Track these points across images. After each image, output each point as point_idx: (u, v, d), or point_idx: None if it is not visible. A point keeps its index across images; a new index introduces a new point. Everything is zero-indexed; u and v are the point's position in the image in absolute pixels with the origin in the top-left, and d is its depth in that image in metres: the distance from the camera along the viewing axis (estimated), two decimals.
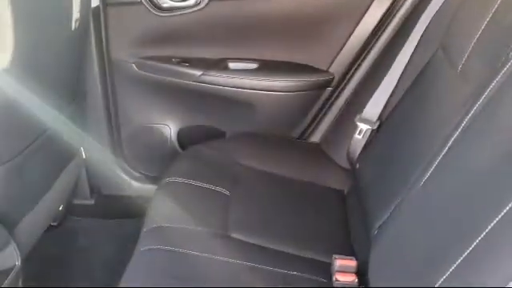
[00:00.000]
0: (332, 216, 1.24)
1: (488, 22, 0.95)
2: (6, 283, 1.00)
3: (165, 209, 1.17)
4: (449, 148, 0.87)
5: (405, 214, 0.92)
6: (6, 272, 1.01)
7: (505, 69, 0.82)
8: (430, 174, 0.89)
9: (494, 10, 0.94)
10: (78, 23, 1.15)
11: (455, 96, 0.96)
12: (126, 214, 1.60)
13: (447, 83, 1.05)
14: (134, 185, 1.64)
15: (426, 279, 0.74)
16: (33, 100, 1.06)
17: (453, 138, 0.86)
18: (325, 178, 1.39)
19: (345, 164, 1.39)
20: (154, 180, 1.48)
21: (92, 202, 1.63)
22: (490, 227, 0.66)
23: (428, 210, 0.85)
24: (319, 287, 1.01)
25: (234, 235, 1.10)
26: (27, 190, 1.15)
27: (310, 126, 1.56)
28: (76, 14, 1.12)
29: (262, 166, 1.36)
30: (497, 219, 0.65)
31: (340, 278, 1.02)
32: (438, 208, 0.82)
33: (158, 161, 1.58)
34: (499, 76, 0.82)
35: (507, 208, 0.64)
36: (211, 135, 1.56)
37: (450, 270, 0.70)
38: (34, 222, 1.20)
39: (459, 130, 0.85)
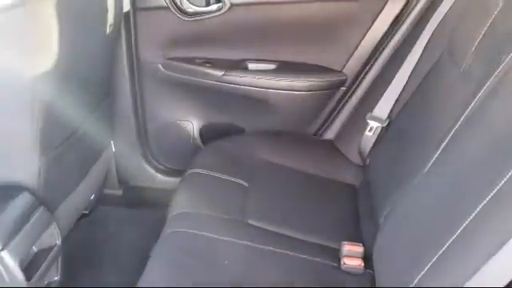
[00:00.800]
0: (342, 207, 1.33)
1: (487, 28, 1.03)
2: (48, 259, 1.13)
3: (189, 197, 1.29)
4: (449, 140, 0.95)
5: (408, 203, 1.01)
6: (48, 250, 1.14)
7: (498, 70, 0.90)
8: (431, 166, 0.98)
9: (492, 17, 1.02)
10: (111, 28, 1.27)
11: (457, 94, 1.04)
12: (151, 204, 1.71)
13: (451, 83, 1.13)
14: (158, 177, 1.75)
15: (422, 261, 0.82)
16: (71, 98, 1.19)
17: (452, 132, 0.95)
18: (337, 173, 1.48)
19: (357, 160, 1.48)
20: (177, 173, 1.58)
21: (120, 192, 1.75)
22: (477, 210, 0.75)
23: (428, 199, 0.94)
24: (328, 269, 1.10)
25: (252, 222, 1.20)
26: (65, 178, 1.27)
27: (324, 123, 1.65)
28: (110, 19, 1.24)
29: (278, 160, 1.46)
30: (484, 202, 0.74)
31: (347, 261, 1.12)
32: (437, 196, 0.91)
33: (181, 155, 1.68)
34: (493, 76, 0.91)
35: (495, 189, 0.73)
36: (231, 131, 1.66)
37: (440, 252, 0.79)
38: (70, 207, 1.33)
39: (458, 123, 0.94)
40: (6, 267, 0.99)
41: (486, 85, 0.92)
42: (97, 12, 1.19)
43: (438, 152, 0.97)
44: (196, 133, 1.70)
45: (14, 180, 1.10)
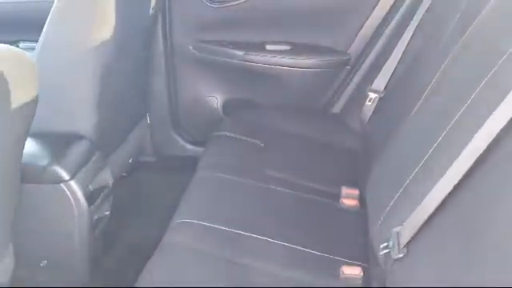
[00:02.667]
0: (344, 162, 1.57)
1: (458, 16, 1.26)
2: (102, 196, 1.39)
3: (215, 152, 1.54)
4: (426, 94, 1.19)
5: (394, 145, 1.24)
6: (102, 188, 1.40)
7: (461, 40, 1.14)
8: (414, 113, 1.20)
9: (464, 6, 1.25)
10: (153, 10, 1.53)
11: (434, 63, 1.27)
12: (180, 170, 1.96)
13: (431, 57, 1.36)
14: (187, 146, 2.00)
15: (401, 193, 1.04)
16: (121, 66, 1.45)
17: (429, 86, 1.18)
18: (342, 140, 1.71)
19: (359, 130, 1.71)
20: (204, 143, 1.79)
21: (153, 159, 2.01)
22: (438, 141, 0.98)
23: (409, 140, 1.17)
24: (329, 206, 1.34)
25: (266, 171, 1.45)
26: (114, 133, 1.54)
27: (331, 99, 1.88)
28: (153, 2, 1.50)
29: (289, 129, 1.70)
30: (443, 134, 0.97)
31: (345, 201, 1.36)
32: (422, 131, 1.12)
33: (207, 127, 1.92)
34: (457, 46, 1.14)
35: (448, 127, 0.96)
36: (250, 105, 1.91)
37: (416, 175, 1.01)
38: (116, 161, 1.59)
39: (433, 81, 1.18)
40: (73, 194, 1.26)
41: (452, 52, 1.15)
42: None
43: (420, 102, 1.20)
44: (220, 106, 1.95)
45: (76, 130, 1.37)
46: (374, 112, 1.63)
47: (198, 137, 1.99)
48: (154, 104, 1.92)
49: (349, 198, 1.36)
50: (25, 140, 1.07)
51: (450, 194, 0.87)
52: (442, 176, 0.88)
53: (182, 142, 1.99)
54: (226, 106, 1.95)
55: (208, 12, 1.77)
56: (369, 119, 1.65)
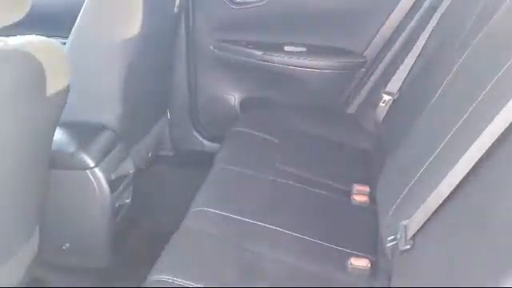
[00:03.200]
0: (356, 162, 1.61)
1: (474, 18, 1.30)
2: (123, 185, 1.46)
3: (232, 146, 1.60)
4: (437, 96, 1.23)
5: (405, 145, 1.28)
6: (124, 177, 1.47)
7: (470, 47, 1.18)
8: (425, 114, 1.25)
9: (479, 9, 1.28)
10: (178, 9, 1.60)
11: (447, 68, 1.31)
12: (197, 164, 2.03)
13: (445, 62, 1.40)
14: (204, 142, 2.07)
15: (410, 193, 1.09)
16: (145, 62, 1.52)
17: (439, 90, 1.23)
18: (356, 140, 1.76)
19: (373, 131, 1.75)
20: (221, 140, 1.84)
21: (172, 153, 2.07)
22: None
23: (419, 138, 1.22)
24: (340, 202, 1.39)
25: (279, 166, 1.50)
26: (136, 125, 1.61)
27: (347, 100, 1.93)
28: (177, 1, 1.57)
29: (304, 128, 1.75)
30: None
31: (356, 198, 1.41)
32: (431, 130, 1.16)
33: (225, 124, 1.98)
34: (468, 49, 1.19)
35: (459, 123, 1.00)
36: (266, 104, 1.96)
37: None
38: (136, 153, 1.66)
39: (444, 83, 1.22)
40: (97, 181, 1.33)
41: (464, 54, 1.19)
42: None
43: (431, 103, 1.24)
44: (237, 105, 2.01)
45: (101, 121, 1.44)
46: (387, 113, 1.68)
47: (215, 133, 2.05)
48: (175, 100, 1.99)
49: (360, 195, 1.41)
50: (55, 127, 1.15)
51: (456, 188, 0.91)
52: (448, 172, 0.93)
53: (199, 138, 2.06)
54: (243, 104, 2.01)
55: (229, 13, 1.84)
56: (382, 120, 1.69)
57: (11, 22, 0.90)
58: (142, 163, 1.85)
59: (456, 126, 1.02)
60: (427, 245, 0.98)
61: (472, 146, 0.89)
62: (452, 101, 1.13)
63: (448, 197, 0.93)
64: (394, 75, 1.70)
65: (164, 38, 1.67)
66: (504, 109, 0.85)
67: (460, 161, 0.91)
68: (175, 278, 1.03)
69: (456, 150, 0.95)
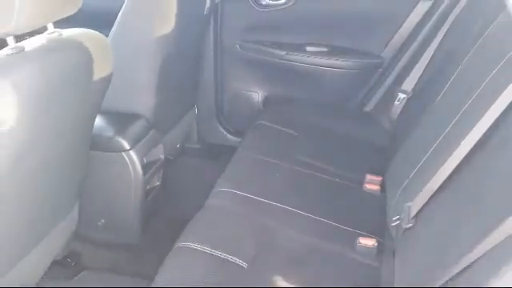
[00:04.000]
0: (371, 155, 1.71)
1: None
2: (154, 169, 1.60)
3: (255, 136, 1.72)
4: (442, 95, 1.34)
5: (413, 137, 1.39)
6: (155, 162, 1.61)
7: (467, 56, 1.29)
8: (431, 112, 1.36)
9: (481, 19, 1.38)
10: (207, 10, 1.74)
11: (452, 69, 1.41)
12: (220, 157, 2.16)
13: (452, 64, 1.49)
14: (228, 136, 2.20)
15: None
16: (178, 58, 1.66)
17: (444, 89, 1.33)
18: (372, 136, 1.85)
19: (388, 128, 1.86)
20: (244, 134, 2.02)
21: (198, 146, 2.21)
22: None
23: (424, 132, 1.32)
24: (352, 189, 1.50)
25: (298, 156, 1.61)
26: (166, 117, 1.75)
27: (364, 98, 2.03)
28: (208, 3, 1.71)
29: (323, 124, 1.86)
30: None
31: (368, 186, 1.51)
32: (435, 125, 1.27)
33: (248, 120, 2.10)
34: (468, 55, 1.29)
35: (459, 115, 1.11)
36: (287, 101, 2.08)
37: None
38: (166, 143, 1.80)
39: (448, 83, 1.33)
40: (132, 162, 1.47)
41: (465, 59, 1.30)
42: None
43: (437, 100, 1.35)
44: (261, 101, 2.13)
45: (136, 110, 1.58)
46: (401, 111, 1.78)
47: (239, 128, 2.18)
48: (202, 96, 2.13)
49: (371, 184, 1.51)
50: (97, 112, 1.29)
51: (451, 174, 1.05)
52: (446, 160, 1.06)
53: (224, 132, 2.19)
54: (266, 100, 2.13)
55: (255, 15, 1.97)
56: (397, 117, 1.79)
57: (65, 16, 1.04)
58: (171, 154, 1.99)
59: (451, 124, 1.14)
60: (427, 223, 1.09)
61: (464, 140, 1.02)
62: (450, 102, 1.26)
63: (445, 181, 1.06)
64: (408, 75, 1.81)
65: (194, 37, 1.81)
66: (489, 110, 0.98)
67: (454, 152, 1.05)
68: (200, 246, 1.15)
69: (452, 143, 1.09)
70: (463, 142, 1.02)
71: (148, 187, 1.62)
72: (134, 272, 1.58)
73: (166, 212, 1.85)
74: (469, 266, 0.82)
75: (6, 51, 0.95)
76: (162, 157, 1.64)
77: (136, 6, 1.47)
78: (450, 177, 1.06)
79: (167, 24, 1.50)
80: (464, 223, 0.93)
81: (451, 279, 0.85)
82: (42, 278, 1.41)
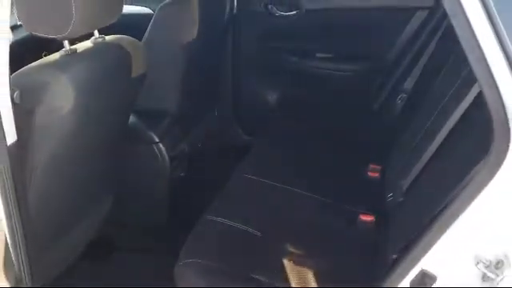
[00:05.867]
0: (374, 147, 1.88)
1: None
2: (179, 161, 1.80)
3: (265, 139, 1.92)
4: (432, 94, 1.53)
5: (410, 128, 1.57)
6: (180, 155, 1.81)
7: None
8: (422, 108, 1.54)
9: None
10: (226, 21, 1.95)
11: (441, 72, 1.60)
12: (237, 156, 2.34)
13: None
14: (244, 137, 2.39)
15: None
16: (200, 62, 1.87)
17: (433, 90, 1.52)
18: (377, 132, 2.02)
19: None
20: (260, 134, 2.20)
21: (217, 145, 2.40)
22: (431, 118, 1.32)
23: (415, 125, 1.51)
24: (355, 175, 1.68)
25: (309, 150, 1.80)
26: (190, 116, 1.95)
27: (370, 98, 2.19)
28: (227, 13, 1.93)
29: (332, 121, 2.05)
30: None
31: (370, 173, 1.69)
32: (423, 119, 1.46)
33: (263, 121, 2.30)
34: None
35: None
36: (300, 103, 2.27)
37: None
38: (191, 140, 1.99)
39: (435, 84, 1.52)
40: (160, 154, 1.68)
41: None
42: (220, 8, 1.88)
43: (427, 98, 1.54)
44: (275, 103, 2.32)
45: (163, 107, 1.79)
46: (402, 109, 1.96)
47: (255, 129, 2.36)
48: (221, 99, 2.33)
49: (373, 172, 1.69)
50: (132, 107, 1.50)
51: (432, 157, 1.29)
52: (429, 146, 1.29)
53: (240, 132, 2.38)
54: (280, 103, 2.32)
55: (269, 24, 2.18)
56: (398, 114, 1.97)
57: (108, 24, 1.26)
58: (193, 151, 2.19)
59: (431, 120, 1.34)
60: (415, 196, 1.27)
61: (441, 132, 1.27)
62: (433, 100, 1.47)
63: (427, 162, 1.26)
64: (408, 76, 1.99)
65: (214, 45, 2.02)
66: (454, 112, 1.22)
67: (433, 141, 1.30)
68: (221, 219, 1.35)
69: (433, 133, 1.32)
70: (438, 136, 1.27)
71: (174, 176, 1.81)
72: (161, 251, 1.76)
73: (190, 199, 2.03)
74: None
75: (63, 52, 1.17)
76: (187, 150, 1.84)
77: (165, 19, 1.69)
78: (431, 159, 1.26)
79: (191, 33, 1.71)
80: (443, 194, 1.11)
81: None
82: (79, 257, 1.59)
